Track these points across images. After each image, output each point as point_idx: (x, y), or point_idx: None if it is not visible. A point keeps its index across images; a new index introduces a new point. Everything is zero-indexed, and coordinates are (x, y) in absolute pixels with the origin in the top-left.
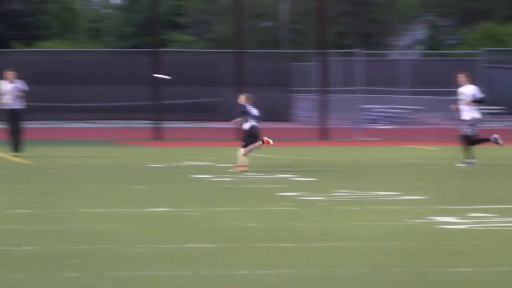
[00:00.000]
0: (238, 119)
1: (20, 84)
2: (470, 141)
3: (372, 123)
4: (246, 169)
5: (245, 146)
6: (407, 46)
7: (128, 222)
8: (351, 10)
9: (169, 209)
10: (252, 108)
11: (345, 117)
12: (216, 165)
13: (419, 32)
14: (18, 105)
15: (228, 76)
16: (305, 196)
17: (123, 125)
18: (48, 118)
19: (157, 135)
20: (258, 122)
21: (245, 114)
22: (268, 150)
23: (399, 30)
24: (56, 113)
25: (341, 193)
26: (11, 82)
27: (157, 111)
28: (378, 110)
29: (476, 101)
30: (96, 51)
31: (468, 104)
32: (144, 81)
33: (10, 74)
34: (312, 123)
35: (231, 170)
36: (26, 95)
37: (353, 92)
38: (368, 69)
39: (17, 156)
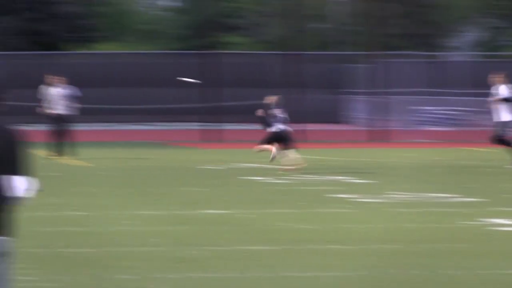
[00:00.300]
0: (261, 112)
1: (72, 90)
2: (501, 142)
3: (426, 124)
4: (295, 167)
5: (262, 144)
6: (462, 47)
7: (180, 224)
8: (405, 12)
9: (221, 211)
10: (279, 111)
11: (400, 118)
12: (269, 167)
13: (474, 33)
14: (66, 110)
15: (283, 77)
16: (358, 198)
17: (177, 127)
18: (102, 120)
19: (211, 137)
20: (286, 125)
21: (270, 116)
22: (320, 152)
23: (454, 32)
24: (109, 115)
25: (394, 195)
26: (58, 87)
27: (210, 113)
28: (433, 111)
29: (505, 100)
30: (148, 53)
31: (497, 103)
32: (201, 84)
33: (56, 79)
34: (366, 124)
35: (279, 172)
36: (78, 101)
37: (409, 94)
38: (425, 71)
39: (59, 159)
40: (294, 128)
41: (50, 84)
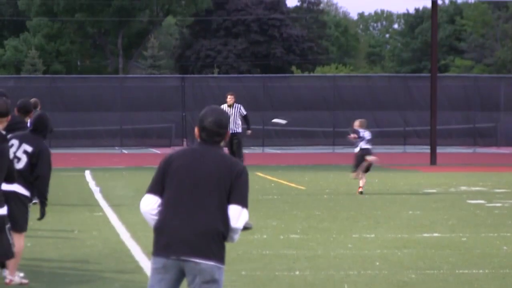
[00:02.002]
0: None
1: (241, 109)
2: None
3: None
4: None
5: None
6: None
7: (400, 248)
8: None
9: (442, 235)
10: (365, 132)
11: None
12: (490, 190)
13: None
14: (238, 129)
15: (506, 101)
16: None
17: (399, 150)
18: (322, 143)
19: (433, 160)
20: (369, 145)
21: (358, 137)
22: None
23: None
24: (329, 138)
25: None
26: (232, 107)
27: (433, 136)
28: None
29: None
30: (373, 76)
31: None
32: (420, 106)
33: (231, 98)
34: None
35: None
36: (246, 120)
37: None
38: None
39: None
40: None
41: (228, 104)
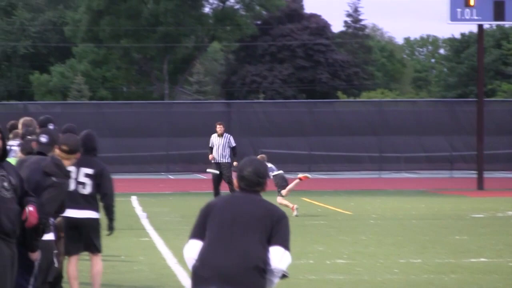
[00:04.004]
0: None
1: (230, 140)
2: None
3: None
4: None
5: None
6: None
7: (447, 273)
8: None
9: (489, 260)
10: (270, 165)
11: None
12: None
13: None
14: (225, 159)
15: None
16: None
17: (445, 175)
18: (368, 168)
19: (480, 185)
20: (279, 170)
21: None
22: None
23: None
24: (375, 163)
25: None
26: (222, 136)
27: (480, 161)
28: None
29: None
30: (419, 101)
31: None
32: (467, 131)
33: (220, 127)
34: None
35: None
36: (233, 152)
37: None
38: None
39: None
40: None
41: (218, 134)
